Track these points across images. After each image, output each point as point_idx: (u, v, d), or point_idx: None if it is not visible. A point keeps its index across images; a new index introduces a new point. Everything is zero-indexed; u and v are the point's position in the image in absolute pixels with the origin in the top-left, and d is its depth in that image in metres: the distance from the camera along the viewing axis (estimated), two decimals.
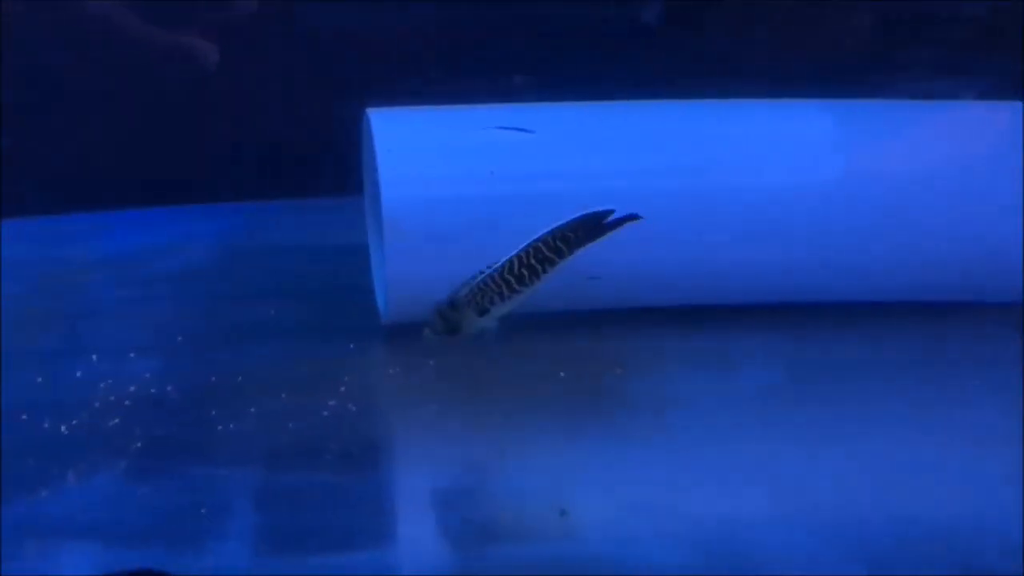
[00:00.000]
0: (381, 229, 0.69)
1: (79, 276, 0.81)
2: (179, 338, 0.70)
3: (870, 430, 0.60)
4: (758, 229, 0.68)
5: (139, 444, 0.58)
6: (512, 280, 0.63)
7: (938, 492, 0.55)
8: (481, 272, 0.62)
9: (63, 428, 0.60)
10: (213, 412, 0.62)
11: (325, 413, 0.62)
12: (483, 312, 0.63)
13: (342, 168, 0.80)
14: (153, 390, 0.64)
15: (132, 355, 0.68)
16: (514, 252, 0.62)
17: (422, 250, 0.64)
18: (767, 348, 0.68)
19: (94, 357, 0.68)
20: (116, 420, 0.61)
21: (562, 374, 0.65)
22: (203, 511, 0.52)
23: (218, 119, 0.89)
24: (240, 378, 0.66)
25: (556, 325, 0.68)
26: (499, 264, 0.62)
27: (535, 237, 0.63)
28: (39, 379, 0.66)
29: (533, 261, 0.63)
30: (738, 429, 0.60)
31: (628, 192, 0.66)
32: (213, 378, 0.66)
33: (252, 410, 0.62)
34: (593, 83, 0.73)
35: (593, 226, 0.63)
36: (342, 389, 0.65)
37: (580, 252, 0.63)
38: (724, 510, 0.53)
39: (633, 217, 0.63)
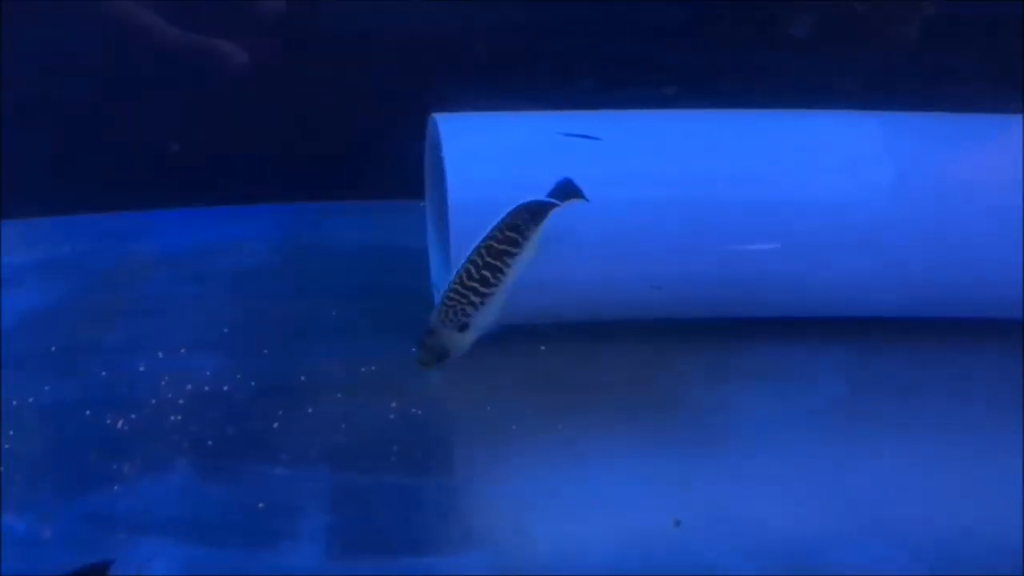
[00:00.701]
0: (444, 233, 0.70)
1: (140, 273, 0.82)
2: (241, 336, 0.71)
3: (935, 442, 0.60)
4: (819, 241, 0.67)
5: (208, 441, 0.59)
6: (476, 286, 0.61)
7: (1006, 505, 0.55)
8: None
9: (129, 424, 0.61)
10: (277, 411, 0.63)
11: (390, 415, 0.62)
12: (462, 327, 0.61)
13: (401, 171, 0.81)
14: (217, 388, 0.65)
15: (195, 352, 0.68)
16: (465, 259, 0.61)
17: None
18: (828, 360, 0.68)
19: (159, 354, 0.68)
20: (181, 417, 0.62)
21: (625, 382, 0.65)
22: (275, 510, 0.53)
23: (277, 119, 0.90)
24: (303, 377, 0.66)
25: (619, 334, 0.68)
26: (455, 275, 0.62)
27: (482, 237, 0.61)
28: (103, 374, 0.66)
29: (490, 259, 0.61)
30: (803, 441, 0.60)
31: (693, 201, 0.66)
32: (276, 377, 0.66)
33: (315, 410, 0.63)
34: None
35: (537, 208, 0.61)
36: (405, 391, 0.65)
37: (538, 239, 0.61)
38: (795, 522, 0.53)
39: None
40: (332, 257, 0.82)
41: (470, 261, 0.61)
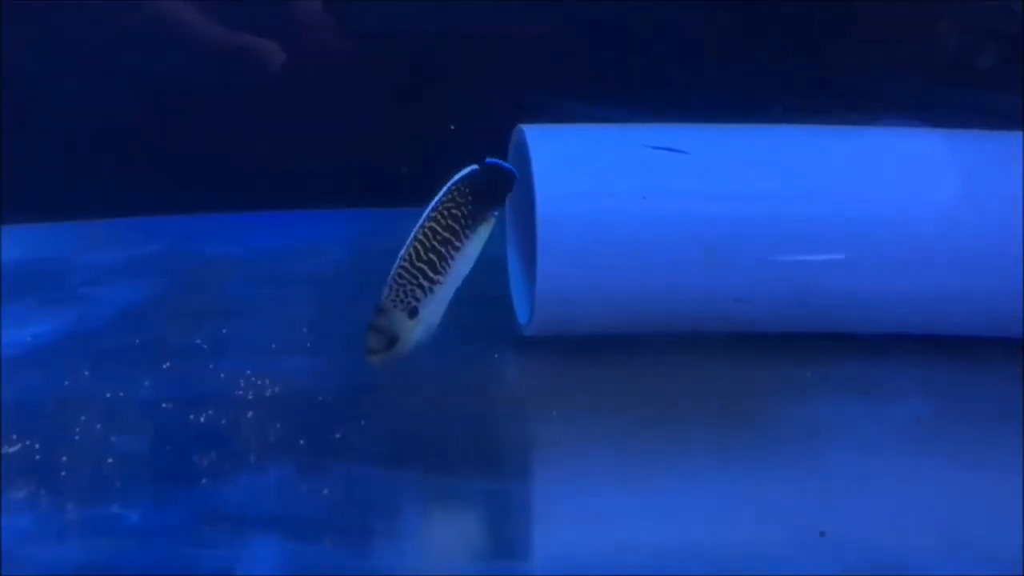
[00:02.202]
0: (527, 243, 0.72)
1: (221, 274, 0.83)
2: (323, 338, 0.72)
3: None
4: (892, 257, 0.67)
5: (301, 440, 0.60)
6: (425, 268, 0.60)
7: None
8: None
9: (225, 421, 0.62)
10: (360, 412, 0.64)
11: (472, 419, 0.64)
12: (413, 313, 0.60)
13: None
14: (304, 388, 0.66)
15: (280, 353, 0.70)
16: (411, 238, 0.60)
17: (573, 267, 0.65)
18: (909, 376, 0.68)
19: (240, 354, 0.70)
20: (273, 416, 0.63)
21: (705, 395, 0.65)
22: (368, 509, 0.54)
23: (353, 124, 0.91)
24: (384, 380, 0.67)
25: (699, 347, 0.69)
26: (405, 252, 0.60)
27: (424, 217, 0.60)
28: (196, 371, 0.68)
29: (436, 244, 0.60)
30: (888, 456, 0.60)
31: (772, 217, 0.66)
32: (357, 378, 0.67)
33: (398, 412, 0.64)
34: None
35: (482, 188, 0.59)
36: (487, 396, 0.67)
37: (490, 226, 0.60)
38: (881, 537, 0.53)
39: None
40: None
41: (418, 240, 0.59)
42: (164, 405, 0.64)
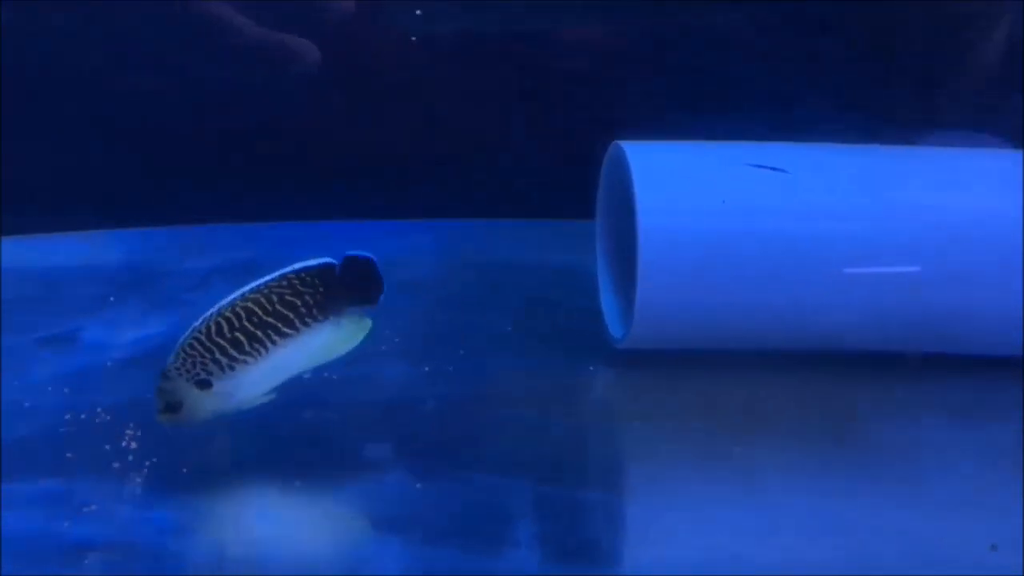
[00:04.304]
0: (621, 258, 0.73)
1: None
2: (418, 346, 0.74)
3: None
4: (1000, 277, 0.68)
5: (411, 446, 0.62)
6: (226, 345, 0.56)
7: None
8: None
9: (335, 424, 0.64)
10: (464, 420, 0.66)
11: (575, 431, 0.65)
12: (203, 385, 0.56)
13: (564, 192, 0.84)
14: (408, 395, 0.68)
15: (380, 360, 0.71)
16: (216, 308, 0.56)
17: (673, 284, 0.67)
18: (1003, 396, 0.68)
19: (340, 359, 0.71)
20: (380, 421, 0.65)
21: (796, 412, 0.66)
22: (484, 515, 0.55)
23: (444, 133, 0.93)
24: (485, 389, 0.69)
25: (788, 364, 0.69)
26: (202, 321, 0.56)
27: (249, 288, 0.57)
28: (294, 377, 0.70)
29: (248, 325, 0.56)
30: (981, 476, 0.60)
31: (881, 236, 0.67)
32: (457, 387, 0.69)
33: (501, 422, 0.66)
34: None
35: (342, 283, 0.57)
36: (586, 408, 0.68)
37: (361, 327, 0.58)
38: (981, 558, 0.53)
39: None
40: (499, 272, 0.86)
41: (223, 315, 0.56)
42: (269, 407, 0.65)
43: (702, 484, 0.60)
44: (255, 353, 0.57)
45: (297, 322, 0.57)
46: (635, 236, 0.68)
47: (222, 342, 0.56)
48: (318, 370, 0.68)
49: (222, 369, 0.56)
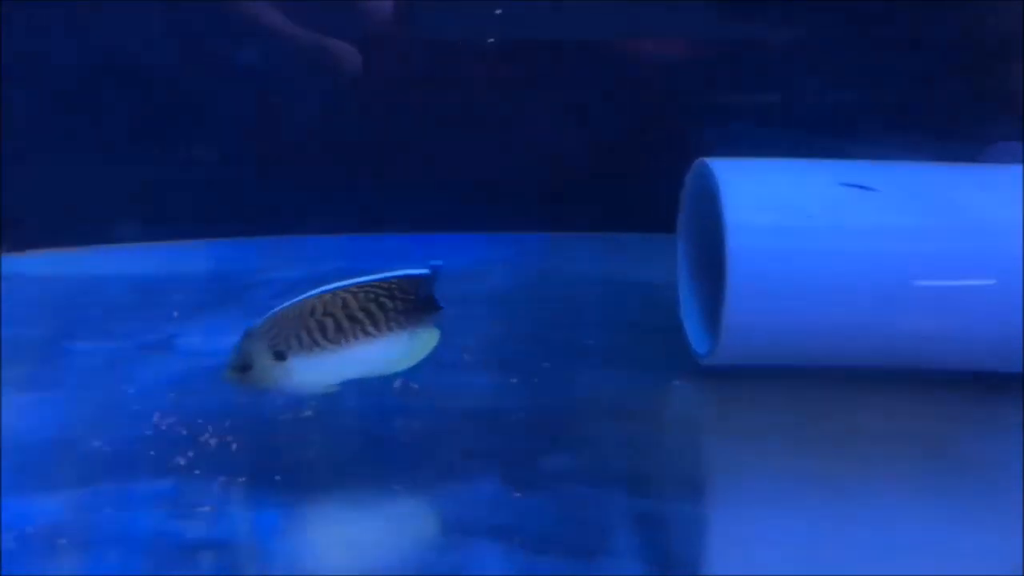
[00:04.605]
0: (705, 272, 0.74)
1: None
2: (505, 358, 0.75)
3: None
4: None
5: (504, 455, 0.63)
6: (313, 325, 0.57)
7: None
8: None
9: (426, 432, 0.66)
10: (553, 432, 0.67)
11: (664, 445, 0.66)
12: (279, 356, 0.58)
13: (643, 206, 0.85)
14: (497, 405, 0.69)
15: (463, 370, 0.73)
16: (318, 291, 0.58)
17: (760, 302, 0.67)
18: None
19: (429, 368, 0.72)
20: (473, 429, 0.66)
21: (894, 430, 0.66)
22: (582, 525, 0.56)
23: (524, 149, 0.94)
24: (571, 401, 0.71)
25: (884, 381, 0.70)
26: (300, 298, 0.58)
27: (349, 282, 0.58)
28: (383, 386, 0.69)
29: (340, 313, 0.58)
30: None
31: (970, 255, 0.67)
32: (546, 399, 0.70)
33: (589, 434, 0.67)
34: None
35: (416, 296, 0.58)
36: (673, 422, 0.70)
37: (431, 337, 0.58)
38: None
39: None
40: (577, 286, 0.87)
41: (319, 297, 0.57)
42: (362, 413, 0.67)
43: (793, 499, 0.60)
44: (335, 342, 0.58)
45: (383, 324, 0.59)
46: (720, 252, 0.69)
47: (310, 322, 0.58)
48: (407, 378, 0.70)
49: (301, 346, 0.58)
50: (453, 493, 0.59)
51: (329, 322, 0.58)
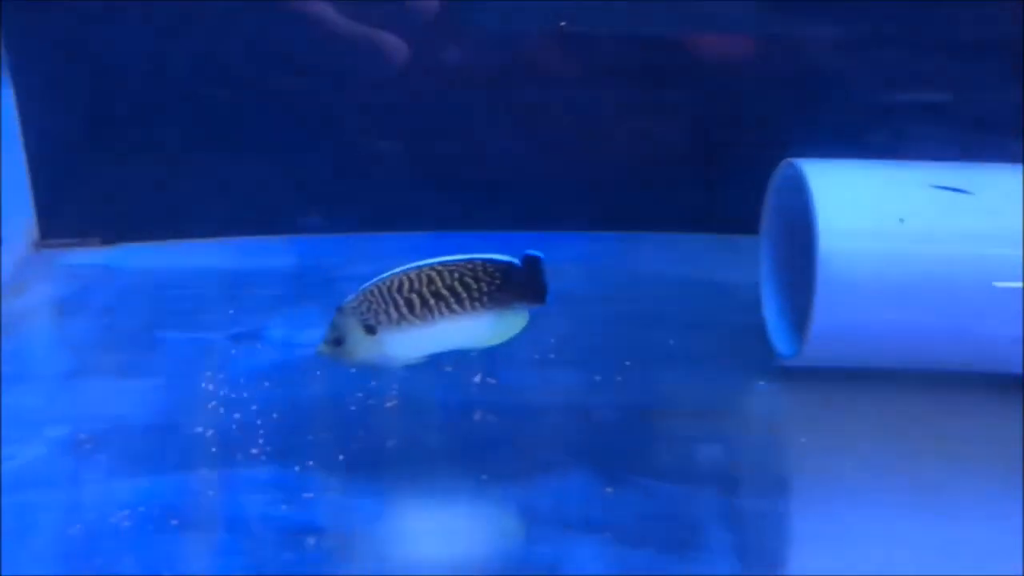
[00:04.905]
0: (790, 274, 0.75)
1: None
2: (588, 356, 0.75)
3: None
4: None
5: (590, 451, 0.64)
6: (400, 301, 0.60)
7: None
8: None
9: (510, 426, 0.66)
10: (638, 429, 0.67)
11: (751, 444, 0.66)
12: (370, 330, 0.61)
13: (725, 206, 0.85)
14: (575, 401, 0.70)
15: (550, 366, 0.73)
16: (405, 267, 0.61)
17: (849, 305, 0.67)
18: None
19: (509, 364, 0.73)
20: (556, 425, 0.67)
21: (983, 434, 0.66)
22: (673, 521, 0.57)
23: (608, 148, 0.93)
24: (655, 400, 0.71)
25: (970, 385, 0.69)
26: (389, 275, 0.61)
27: (439, 260, 0.61)
28: (466, 380, 0.71)
29: (426, 291, 0.60)
30: None
31: None
32: (630, 397, 0.71)
33: (674, 433, 0.67)
34: None
35: (517, 282, 0.61)
36: (758, 422, 0.69)
37: (519, 320, 0.61)
38: None
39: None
40: (658, 285, 0.86)
41: (407, 274, 0.61)
42: (447, 406, 0.68)
43: (881, 498, 0.61)
44: (422, 317, 0.61)
45: (467, 303, 0.62)
46: (808, 254, 0.69)
47: (398, 298, 0.61)
48: (491, 373, 0.72)
49: (390, 320, 0.61)
50: (544, 487, 0.60)
51: (415, 298, 0.61)
